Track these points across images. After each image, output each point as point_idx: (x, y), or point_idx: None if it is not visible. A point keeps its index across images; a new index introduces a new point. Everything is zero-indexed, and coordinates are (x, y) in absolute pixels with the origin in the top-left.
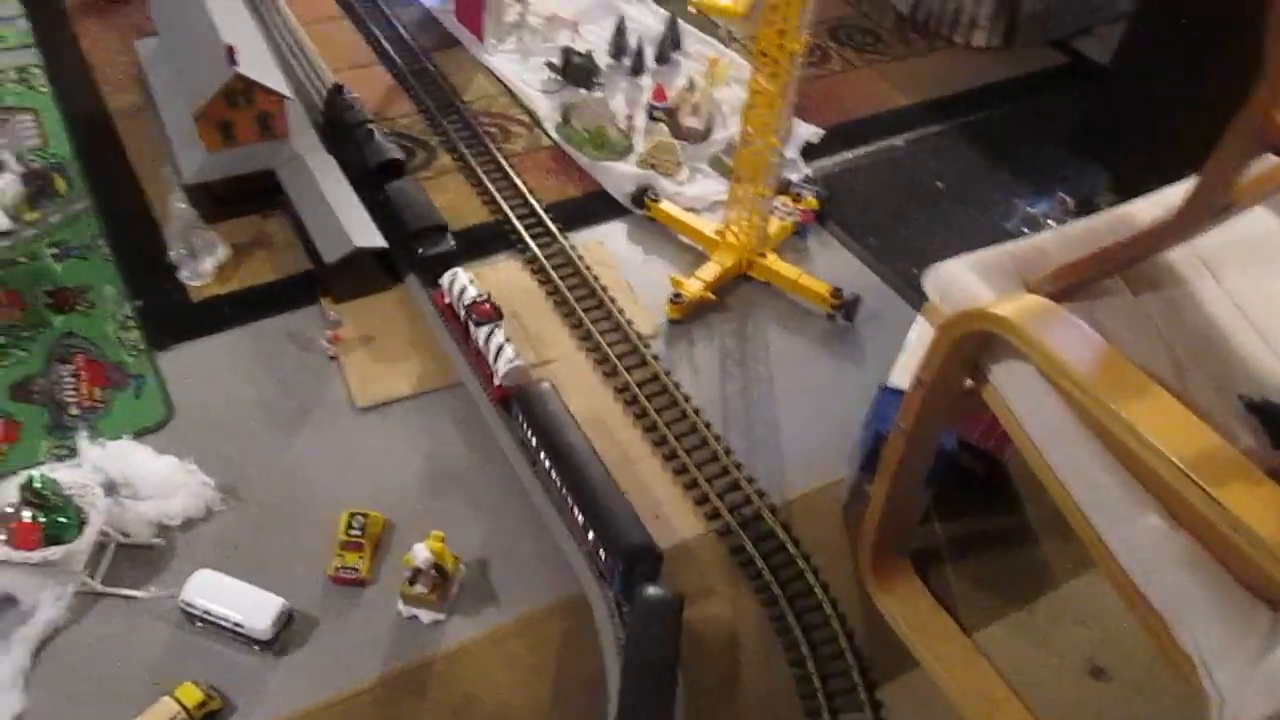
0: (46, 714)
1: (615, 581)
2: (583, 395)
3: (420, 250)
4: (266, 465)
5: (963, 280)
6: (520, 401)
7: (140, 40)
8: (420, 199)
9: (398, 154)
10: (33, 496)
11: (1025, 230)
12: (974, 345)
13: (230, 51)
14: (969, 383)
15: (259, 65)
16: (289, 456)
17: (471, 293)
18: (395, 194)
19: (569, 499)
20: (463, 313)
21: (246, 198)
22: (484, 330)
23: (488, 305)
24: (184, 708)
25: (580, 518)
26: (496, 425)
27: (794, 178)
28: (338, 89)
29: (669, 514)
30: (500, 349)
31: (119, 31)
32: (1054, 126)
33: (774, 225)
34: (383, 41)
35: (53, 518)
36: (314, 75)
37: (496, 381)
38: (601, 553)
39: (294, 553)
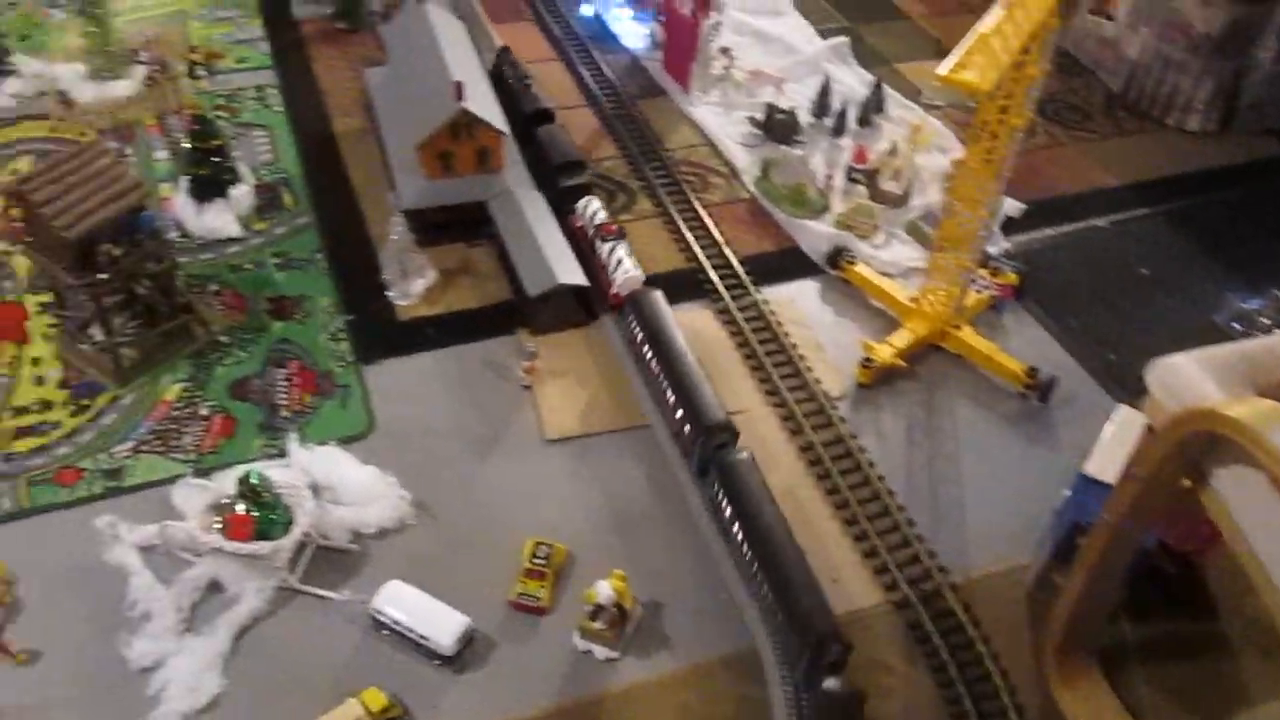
0: (241, 698)
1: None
2: (767, 452)
3: (562, 181)
4: (458, 485)
5: (1190, 377)
6: (632, 306)
7: (369, 69)
8: (564, 140)
9: (548, 104)
10: (249, 491)
11: (1237, 326)
12: (1198, 445)
13: (459, 87)
14: (1186, 483)
15: (483, 102)
16: (479, 479)
17: (601, 215)
18: (544, 135)
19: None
20: (592, 231)
21: (457, 226)
22: (608, 246)
23: (614, 226)
24: (368, 711)
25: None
26: (680, 469)
27: (993, 251)
28: (505, 50)
29: (846, 579)
30: (620, 261)
31: (349, 59)
32: (1270, 219)
33: (970, 298)
34: (591, 85)
35: (265, 514)
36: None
37: (613, 290)
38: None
39: (478, 573)
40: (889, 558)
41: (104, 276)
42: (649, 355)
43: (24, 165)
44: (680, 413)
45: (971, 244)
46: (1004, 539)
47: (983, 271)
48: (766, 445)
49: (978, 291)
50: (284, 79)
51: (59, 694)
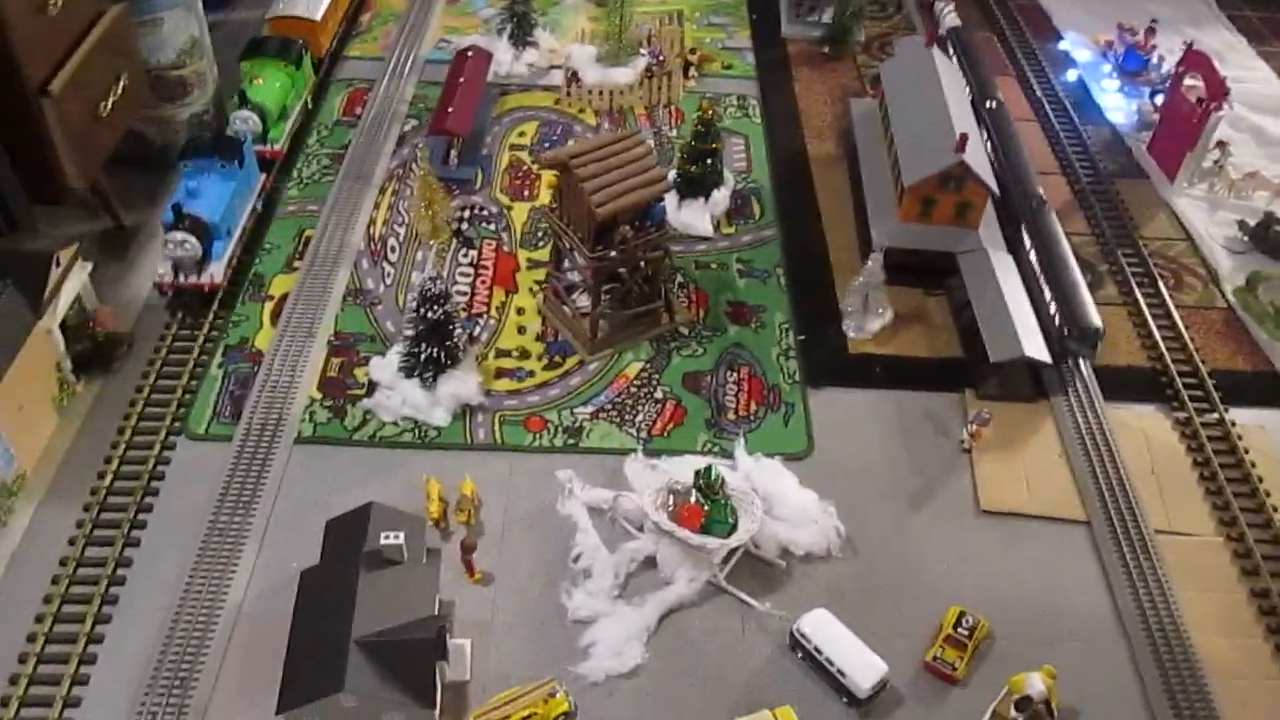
0: (658, 675)
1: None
2: (1208, 583)
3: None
4: (886, 531)
5: None
6: (953, 38)
7: (854, 99)
8: None
9: None
10: (706, 486)
11: None
12: None
13: (963, 140)
14: None
15: (977, 158)
16: (907, 531)
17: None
18: None
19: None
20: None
21: (915, 271)
22: (942, 8)
23: (952, 11)
24: None
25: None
26: (1117, 577)
27: None
28: None
29: None
30: (948, 14)
31: (828, 85)
32: None
33: None
34: (1068, 153)
35: (716, 510)
36: None
37: (939, 31)
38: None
39: (894, 624)
40: None
41: (614, 254)
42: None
43: (530, 129)
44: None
45: None
46: None
47: None
48: (1210, 578)
49: None
50: (765, 93)
51: (503, 619)
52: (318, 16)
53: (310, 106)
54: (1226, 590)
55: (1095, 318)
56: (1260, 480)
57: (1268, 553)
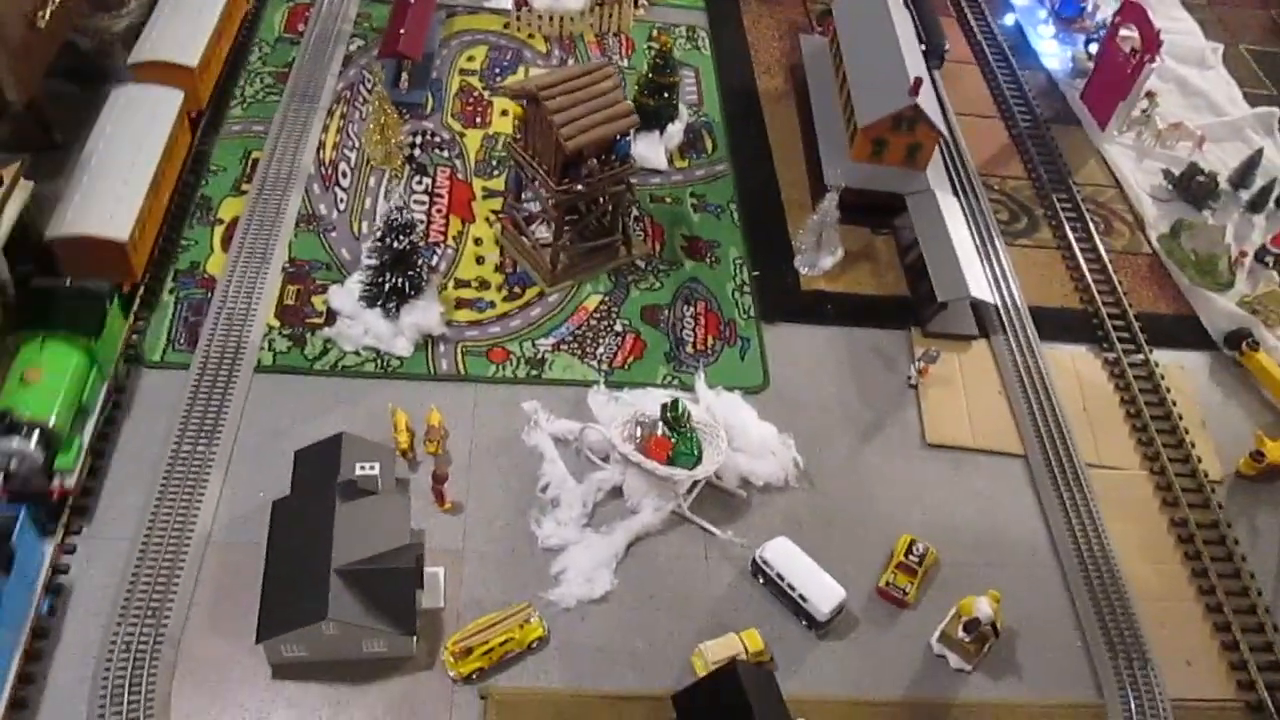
0: (627, 601)
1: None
2: (1133, 513)
3: None
4: (839, 462)
5: None
6: None
7: (804, 35)
8: None
9: None
10: (672, 418)
11: None
12: None
13: (917, 84)
14: None
15: (929, 101)
16: (859, 463)
17: None
18: None
19: None
20: None
21: (864, 210)
22: None
23: None
24: (746, 649)
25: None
26: (1052, 507)
27: None
28: None
29: (1200, 665)
30: None
31: (777, 19)
32: None
33: None
34: (1006, 98)
35: (683, 443)
36: None
37: None
38: None
39: (848, 551)
40: (1250, 656)
41: (579, 188)
42: None
43: (479, 54)
44: None
45: None
46: None
47: None
48: (1135, 509)
49: None
50: (714, 24)
51: (475, 547)
52: (124, 236)
53: (120, 382)
54: (1149, 519)
55: (945, 41)
56: (1180, 418)
57: (1186, 485)
